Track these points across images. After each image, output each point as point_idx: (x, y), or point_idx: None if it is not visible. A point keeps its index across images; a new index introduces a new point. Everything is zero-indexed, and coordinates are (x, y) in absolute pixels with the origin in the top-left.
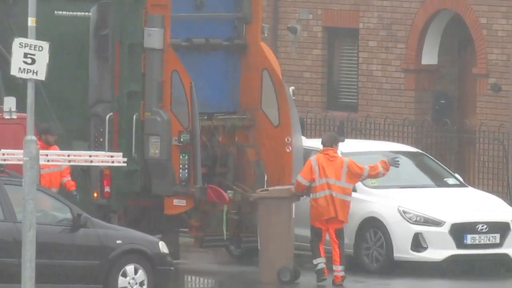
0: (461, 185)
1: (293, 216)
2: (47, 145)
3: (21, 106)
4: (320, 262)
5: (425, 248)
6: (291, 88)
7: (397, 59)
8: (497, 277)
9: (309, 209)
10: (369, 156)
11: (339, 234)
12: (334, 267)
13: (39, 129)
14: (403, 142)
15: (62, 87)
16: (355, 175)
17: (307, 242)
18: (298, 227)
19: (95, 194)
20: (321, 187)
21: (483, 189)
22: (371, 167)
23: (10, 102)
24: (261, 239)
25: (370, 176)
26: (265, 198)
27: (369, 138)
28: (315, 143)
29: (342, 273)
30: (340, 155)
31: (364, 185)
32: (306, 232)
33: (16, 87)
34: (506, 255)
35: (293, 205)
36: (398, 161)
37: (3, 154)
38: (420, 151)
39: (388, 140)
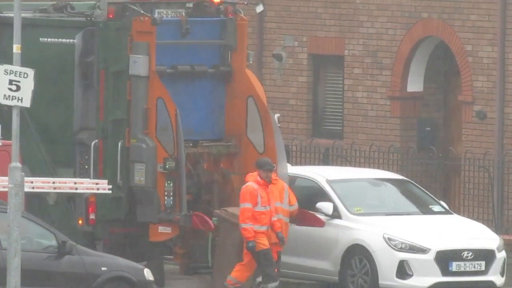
0: (446, 212)
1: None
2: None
3: (6, 133)
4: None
5: (411, 276)
6: (276, 115)
7: (383, 86)
8: None
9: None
10: (355, 183)
11: (280, 256)
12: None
13: (257, 164)
14: (388, 169)
15: (47, 114)
16: (293, 200)
17: (297, 270)
18: (289, 255)
19: (80, 221)
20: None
21: (468, 217)
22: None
23: None
24: (213, 256)
25: (294, 214)
26: (222, 219)
27: (355, 165)
28: (301, 170)
29: None
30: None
31: (349, 212)
32: (296, 261)
33: (1, 114)
34: (491, 282)
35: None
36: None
37: None
38: (405, 178)
39: (374, 167)
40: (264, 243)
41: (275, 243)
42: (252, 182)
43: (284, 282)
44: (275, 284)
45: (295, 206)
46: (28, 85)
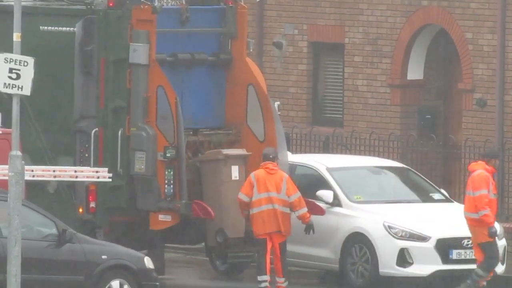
0: (446, 200)
1: (234, 178)
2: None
3: (6, 121)
4: (265, 280)
5: (411, 264)
6: (277, 103)
7: (383, 74)
8: None
9: (252, 224)
10: (355, 171)
11: (283, 248)
12: (278, 279)
13: (488, 153)
14: (388, 157)
15: (47, 102)
16: (292, 191)
17: (297, 258)
18: (290, 244)
19: (81, 210)
20: (260, 202)
21: None
22: (301, 199)
23: None
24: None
25: (294, 206)
26: (203, 161)
27: (355, 153)
28: (301, 158)
29: (284, 284)
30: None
31: (350, 200)
32: (296, 249)
33: (1, 102)
34: None
35: (233, 168)
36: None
37: None
38: (405, 166)
39: (374, 155)
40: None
41: (274, 232)
42: (482, 169)
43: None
44: (485, 274)
45: (292, 198)
46: (28, 73)
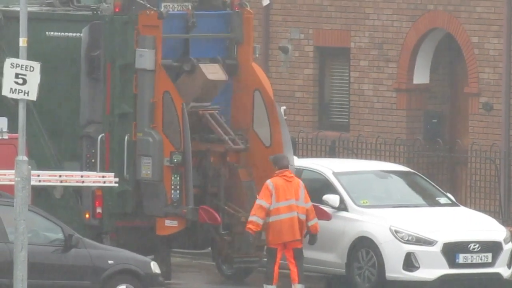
0: (453, 204)
1: None
2: None
3: (12, 126)
4: None
5: (417, 268)
6: (283, 108)
7: (389, 78)
8: None
9: (267, 232)
10: (361, 175)
11: (297, 254)
12: (293, 286)
13: None
14: (394, 162)
15: (54, 107)
16: (309, 198)
17: (304, 262)
18: (310, 250)
19: (87, 215)
20: (279, 211)
21: (475, 209)
22: (313, 208)
23: (1, 123)
24: None
25: (309, 214)
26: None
27: (361, 158)
28: (307, 162)
29: None
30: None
31: (356, 204)
32: (304, 254)
33: (7, 107)
34: (498, 274)
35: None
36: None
37: None
38: (411, 170)
39: (380, 160)
40: None
41: (292, 241)
42: None
43: (288, 274)
44: None
45: (308, 205)
46: (34, 78)
